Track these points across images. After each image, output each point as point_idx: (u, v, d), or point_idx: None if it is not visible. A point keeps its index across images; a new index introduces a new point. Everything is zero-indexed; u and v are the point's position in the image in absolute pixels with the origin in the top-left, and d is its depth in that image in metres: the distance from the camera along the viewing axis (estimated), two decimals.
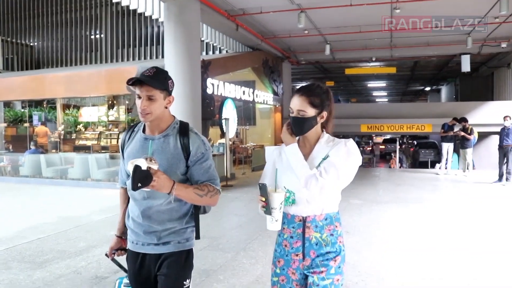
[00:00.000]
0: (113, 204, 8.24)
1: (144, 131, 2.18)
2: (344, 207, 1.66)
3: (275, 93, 17.42)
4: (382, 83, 32.85)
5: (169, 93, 2.10)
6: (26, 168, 12.48)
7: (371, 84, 33.09)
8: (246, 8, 11.45)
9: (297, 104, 2.01)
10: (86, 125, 13.83)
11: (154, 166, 1.85)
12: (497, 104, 18.69)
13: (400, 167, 27.59)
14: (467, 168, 12.46)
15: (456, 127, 12.73)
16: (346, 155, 1.97)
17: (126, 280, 2.27)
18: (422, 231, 6.32)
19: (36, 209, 8.29)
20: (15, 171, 13.01)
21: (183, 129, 2.13)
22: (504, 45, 15.27)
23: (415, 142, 29.84)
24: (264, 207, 1.93)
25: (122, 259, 2.30)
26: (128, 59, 17.96)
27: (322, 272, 1.98)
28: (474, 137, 12.34)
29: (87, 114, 13.93)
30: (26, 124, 14.45)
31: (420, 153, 26.92)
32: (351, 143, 2.01)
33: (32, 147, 12.82)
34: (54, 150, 13.57)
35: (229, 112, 13.25)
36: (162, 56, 15.40)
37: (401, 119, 19.64)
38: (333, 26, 13.27)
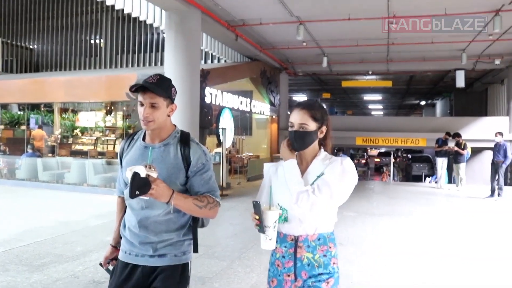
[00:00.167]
0: (109, 209, 8.28)
1: (144, 139, 2.13)
2: (338, 219, 1.71)
3: (272, 104, 17.57)
4: (378, 96, 33.12)
5: (172, 101, 2.06)
6: (22, 171, 12.51)
7: (367, 97, 33.36)
8: (246, 19, 11.63)
9: (299, 118, 1.99)
10: (83, 130, 13.89)
11: (154, 174, 1.81)
12: (490, 119, 18.94)
13: (392, 179, 27.76)
14: (460, 183, 12.62)
15: (450, 142, 12.92)
16: (341, 173, 1.93)
17: None
18: (414, 242, 6.46)
19: (32, 213, 8.34)
20: (11, 174, 13.03)
21: (184, 139, 2.09)
22: (497, 61, 15.58)
23: (410, 156, 30.06)
24: (257, 225, 1.89)
25: None
26: (127, 65, 18.06)
27: None
28: (467, 152, 12.51)
29: (84, 119, 14.02)
30: (24, 127, 14.49)
31: (414, 167, 27.12)
32: (347, 161, 1.97)
33: (29, 151, 12.86)
34: (50, 154, 13.61)
35: (227, 122, 13.36)
36: (161, 63, 15.58)
37: (396, 132, 19.81)
38: (331, 39, 13.47)
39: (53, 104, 14.24)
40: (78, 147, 13.42)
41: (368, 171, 35.12)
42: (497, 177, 11.09)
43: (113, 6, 11.47)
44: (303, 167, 2.03)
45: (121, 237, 2.18)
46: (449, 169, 13.68)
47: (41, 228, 6.85)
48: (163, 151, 2.05)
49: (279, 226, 1.96)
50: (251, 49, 14.21)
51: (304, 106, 2.02)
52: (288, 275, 1.99)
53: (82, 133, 13.84)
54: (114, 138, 12.99)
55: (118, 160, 2.24)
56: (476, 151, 17.70)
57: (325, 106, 2.11)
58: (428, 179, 14.18)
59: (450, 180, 13.83)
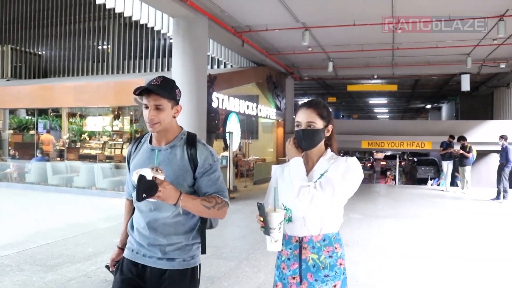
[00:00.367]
0: (118, 212, 8.43)
1: (150, 142, 2.12)
2: (344, 221, 1.77)
3: (278, 108, 17.72)
4: (383, 100, 33.18)
5: (176, 102, 2.05)
6: (32, 175, 12.73)
7: (373, 100, 33.42)
8: (253, 25, 11.79)
9: (306, 117, 1.99)
10: (91, 135, 14.10)
11: (160, 176, 1.80)
12: (496, 123, 18.92)
13: (394, 184, 27.76)
14: (466, 186, 12.67)
15: (455, 145, 12.98)
16: (345, 171, 1.91)
17: None
18: (419, 244, 6.54)
19: (43, 215, 8.53)
20: (21, 177, 13.24)
21: (191, 140, 2.07)
22: (503, 65, 15.63)
23: (415, 159, 30.04)
24: (263, 227, 1.87)
25: None
26: (134, 71, 18.25)
27: None
28: (472, 155, 12.57)
29: (92, 123, 14.23)
30: (32, 132, 14.72)
31: (419, 170, 27.10)
32: (352, 159, 1.96)
33: (39, 155, 13.08)
34: (58, 158, 13.82)
35: (233, 126, 13.51)
36: (168, 69, 15.77)
37: (401, 136, 19.86)
38: (336, 44, 13.59)
39: (61, 109, 14.44)
40: (86, 151, 13.62)
41: (374, 175, 35.10)
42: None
43: (120, 13, 11.66)
44: (309, 167, 2.03)
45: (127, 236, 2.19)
46: (453, 172, 13.71)
47: (53, 230, 7.01)
48: (170, 153, 2.04)
49: (284, 228, 1.94)
50: (257, 54, 14.37)
51: (311, 104, 2.03)
52: (293, 278, 1.95)
53: (90, 138, 14.05)
54: (122, 142, 13.17)
55: (126, 163, 2.24)
56: (482, 154, 17.71)
57: (330, 110, 2.17)
58: (430, 181, 14.19)
59: (452, 183, 13.86)
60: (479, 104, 24.82)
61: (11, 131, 15.15)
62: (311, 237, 1.93)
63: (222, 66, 16.04)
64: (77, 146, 14.07)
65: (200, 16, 9.82)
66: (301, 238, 1.95)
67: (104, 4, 11.22)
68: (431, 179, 20.46)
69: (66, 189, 11.89)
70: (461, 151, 12.45)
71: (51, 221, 7.81)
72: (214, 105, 11.62)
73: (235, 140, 13.28)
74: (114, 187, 11.30)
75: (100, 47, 19.27)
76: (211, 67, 16.13)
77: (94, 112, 14.40)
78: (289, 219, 1.94)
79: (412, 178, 28.36)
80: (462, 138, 12.69)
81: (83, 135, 14.14)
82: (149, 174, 1.76)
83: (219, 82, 11.89)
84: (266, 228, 1.86)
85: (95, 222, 7.77)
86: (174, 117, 2.06)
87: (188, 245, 2.05)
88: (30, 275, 4.75)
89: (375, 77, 19.21)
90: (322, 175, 1.93)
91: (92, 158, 13.09)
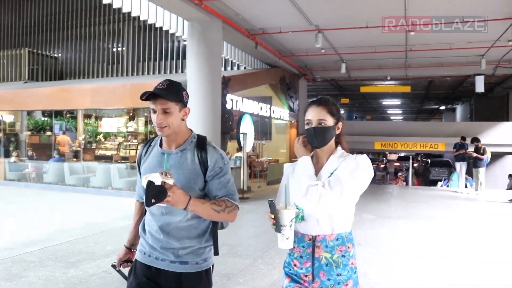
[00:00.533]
0: (134, 212, 8.59)
1: (161, 145, 2.12)
2: (357, 221, 1.82)
3: (291, 109, 17.82)
4: (397, 101, 33.06)
5: (184, 104, 2.04)
6: (50, 175, 13.00)
7: (386, 102, 33.32)
8: (266, 28, 11.92)
9: (317, 114, 1.97)
10: (106, 136, 14.35)
11: (170, 181, 1.80)
12: (511, 124, 18.78)
13: (406, 185, 27.62)
14: (480, 187, 12.61)
15: (469, 146, 12.92)
16: (355, 169, 1.90)
17: None
18: (432, 244, 6.58)
19: (62, 215, 8.76)
20: (39, 178, 13.54)
21: (201, 143, 2.06)
22: None
23: (429, 161, 29.88)
24: (274, 225, 1.87)
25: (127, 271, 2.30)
26: (148, 73, 18.47)
27: None
28: (487, 156, 12.50)
29: (107, 124, 14.48)
30: (49, 133, 15.02)
31: (433, 171, 26.94)
32: (362, 157, 1.95)
33: (56, 156, 13.36)
34: (74, 159, 14.09)
35: (247, 127, 13.65)
36: (182, 71, 15.95)
37: (415, 137, 19.81)
38: (349, 46, 13.66)
39: (77, 111, 14.71)
40: (101, 152, 13.87)
41: (387, 176, 34.95)
42: None
43: (134, 16, 11.86)
44: (319, 165, 2.03)
45: (138, 237, 2.21)
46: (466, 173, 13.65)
47: (72, 229, 7.20)
48: (180, 157, 2.03)
49: (296, 226, 1.95)
50: (270, 56, 14.49)
51: (320, 102, 2.01)
52: (306, 276, 1.96)
53: (105, 139, 14.30)
54: (136, 143, 13.39)
55: (137, 166, 2.25)
56: (497, 156, 17.62)
57: (343, 112, 2.19)
58: (439, 183, 14.16)
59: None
60: (494, 105, 24.63)
61: (29, 133, 15.48)
62: (324, 236, 1.93)
63: (235, 68, 16.18)
64: (92, 147, 14.34)
65: (215, 19, 9.98)
66: (314, 236, 1.94)
67: (120, 8, 11.44)
68: (439, 181, 20.35)
69: (83, 189, 12.14)
70: (475, 154, 12.39)
71: (70, 220, 8.04)
72: (228, 106, 11.77)
73: (248, 141, 13.41)
74: (130, 187, 11.50)
75: (115, 49, 19.53)
76: (225, 69, 16.26)
77: (109, 114, 14.65)
78: (302, 218, 1.95)
79: (425, 179, 28.20)
80: (475, 140, 12.62)
81: (98, 136, 14.41)
82: (158, 179, 1.77)
83: (233, 84, 12.04)
84: (277, 226, 1.87)
85: (112, 221, 7.95)
86: (183, 119, 2.05)
87: (201, 248, 2.06)
88: (53, 270, 4.93)
89: (388, 78, 19.18)
90: (331, 173, 1.93)
91: (107, 159, 13.33)
